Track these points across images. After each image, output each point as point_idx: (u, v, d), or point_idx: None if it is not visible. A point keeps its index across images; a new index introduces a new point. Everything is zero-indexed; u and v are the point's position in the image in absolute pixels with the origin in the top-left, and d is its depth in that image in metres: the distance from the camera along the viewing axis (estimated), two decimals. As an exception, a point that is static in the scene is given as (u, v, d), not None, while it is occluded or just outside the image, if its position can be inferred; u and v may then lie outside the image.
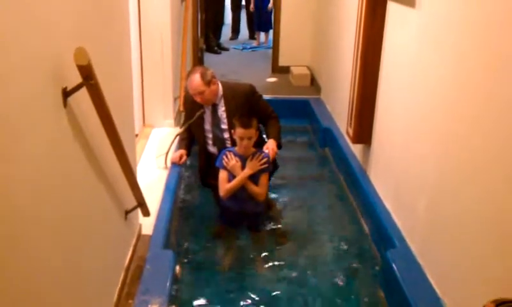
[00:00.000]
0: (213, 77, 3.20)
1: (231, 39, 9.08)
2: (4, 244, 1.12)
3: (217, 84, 3.25)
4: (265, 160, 2.94)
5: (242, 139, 2.87)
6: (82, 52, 1.45)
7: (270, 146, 3.17)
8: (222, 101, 3.27)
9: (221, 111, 3.27)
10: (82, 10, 1.70)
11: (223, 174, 2.93)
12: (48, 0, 1.37)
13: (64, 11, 1.51)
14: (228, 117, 3.23)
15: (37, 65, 1.30)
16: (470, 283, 2.00)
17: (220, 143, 3.28)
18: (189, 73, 3.33)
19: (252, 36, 9.10)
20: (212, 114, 3.30)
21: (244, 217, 3.10)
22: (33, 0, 1.27)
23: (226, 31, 9.28)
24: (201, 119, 3.32)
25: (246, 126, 2.86)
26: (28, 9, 1.24)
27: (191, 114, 3.37)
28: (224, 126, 3.27)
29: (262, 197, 2.97)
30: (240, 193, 2.92)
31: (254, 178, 2.92)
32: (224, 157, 2.94)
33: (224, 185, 2.90)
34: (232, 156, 2.92)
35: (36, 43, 1.29)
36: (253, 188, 2.89)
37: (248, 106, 3.21)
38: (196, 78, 3.14)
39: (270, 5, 8.13)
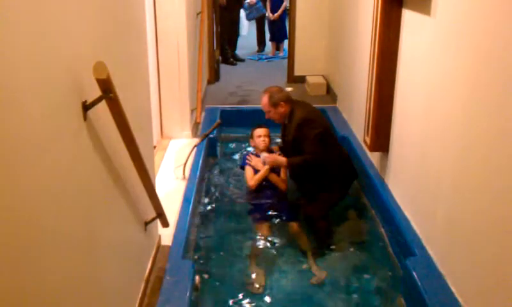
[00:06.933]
0: (281, 100, 3.44)
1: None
2: (23, 256, 1.14)
3: (286, 108, 3.46)
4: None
5: (260, 136, 3.71)
6: (101, 66, 1.47)
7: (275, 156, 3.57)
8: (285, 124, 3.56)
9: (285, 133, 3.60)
10: (102, 25, 1.74)
11: (249, 170, 3.61)
12: (69, 16, 1.41)
13: (84, 26, 1.55)
14: (282, 141, 3.71)
15: (58, 80, 1.33)
16: (492, 292, 1.97)
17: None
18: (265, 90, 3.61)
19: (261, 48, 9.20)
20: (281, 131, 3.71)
21: (272, 205, 3.51)
22: (54, 17, 1.30)
23: (245, 43, 9.32)
24: None
25: (262, 125, 3.74)
26: (49, 25, 1.27)
27: None
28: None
29: (284, 186, 3.59)
30: (265, 185, 3.55)
31: (274, 171, 3.59)
32: (247, 157, 3.69)
33: (252, 178, 3.55)
34: (253, 156, 3.67)
35: (57, 58, 1.33)
36: (275, 177, 3.56)
37: (296, 136, 3.36)
38: (264, 98, 3.51)
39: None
